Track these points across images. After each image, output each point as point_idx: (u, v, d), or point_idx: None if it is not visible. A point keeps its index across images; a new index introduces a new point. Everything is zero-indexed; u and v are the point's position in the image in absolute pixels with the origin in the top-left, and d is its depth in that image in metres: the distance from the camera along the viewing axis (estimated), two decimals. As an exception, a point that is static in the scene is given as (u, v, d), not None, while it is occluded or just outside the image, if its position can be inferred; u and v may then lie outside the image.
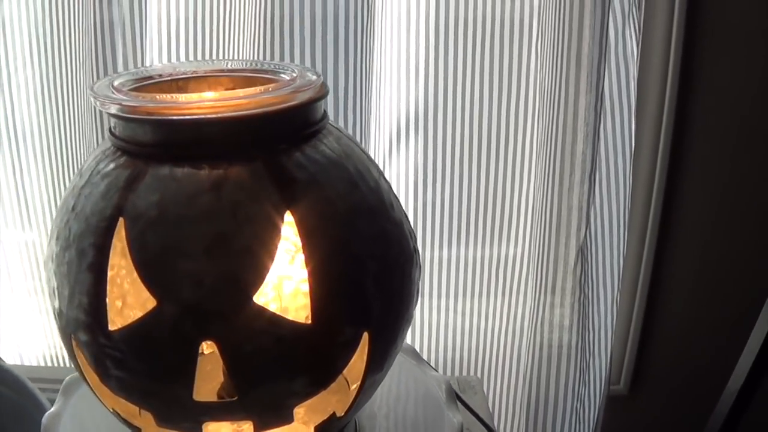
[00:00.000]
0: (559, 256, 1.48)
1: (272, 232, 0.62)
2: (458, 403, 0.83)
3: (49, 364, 1.61)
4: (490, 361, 1.64)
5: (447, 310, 1.60)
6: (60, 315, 0.67)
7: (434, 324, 1.59)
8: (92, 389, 0.70)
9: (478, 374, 1.62)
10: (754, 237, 1.65)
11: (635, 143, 1.47)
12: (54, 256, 0.67)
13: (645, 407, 1.85)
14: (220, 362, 0.62)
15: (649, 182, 1.59)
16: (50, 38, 1.41)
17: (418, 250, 0.73)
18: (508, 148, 1.47)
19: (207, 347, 0.74)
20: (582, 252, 1.46)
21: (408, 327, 0.73)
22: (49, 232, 1.38)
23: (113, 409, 0.70)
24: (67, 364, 1.59)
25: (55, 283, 0.67)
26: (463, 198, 1.49)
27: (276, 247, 0.62)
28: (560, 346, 1.56)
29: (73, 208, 0.66)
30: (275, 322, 0.63)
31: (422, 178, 1.46)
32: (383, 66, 1.40)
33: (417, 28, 1.39)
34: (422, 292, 1.56)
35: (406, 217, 0.73)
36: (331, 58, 1.30)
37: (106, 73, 1.34)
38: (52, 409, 0.82)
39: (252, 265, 0.61)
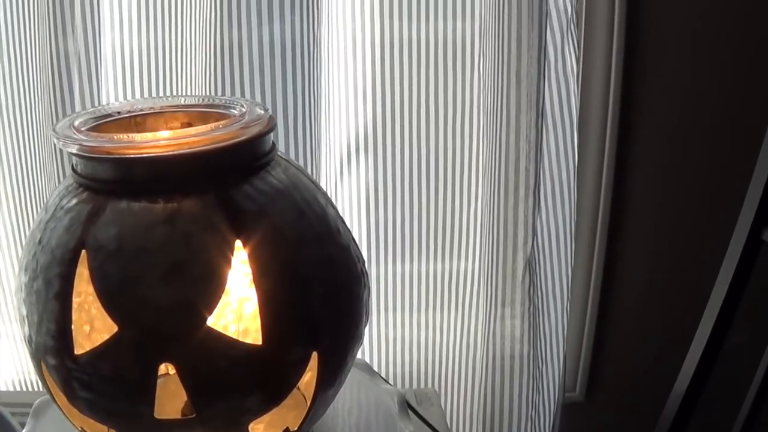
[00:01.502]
0: (507, 269, 1.51)
1: (223, 260, 0.67)
2: (414, 415, 0.87)
3: (19, 389, 1.63)
4: (446, 374, 1.67)
5: (401, 324, 1.63)
6: (30, 341, 0.71)
7: (390, 338, 1.62)
8: (62, 410, 0.74)
9: (435, 387, 1.65)
10: (699, 244, 1.68)
11: (579, 156, 1.52)
12: (23, 286, 0.72)
13: (602, 413, 1.87)
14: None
15: (595, 193, 1.63)
16: (8, 73, 1.44)
17: (366, 272, 0.77)
18: (455, 166, 1.50)
19: (170, 368, 0.78)
20: (530, 264, 1.50)
21: (358, 345, 0.77)
22: (16, 263, 1.42)
23: (81, 428, 0.74)
24: (37, 388, 1.61)
25: (24, 311, 0.71)
26: (414, 215, 1.52)
27: (227, 274, 0.67)
28: (512, 357, 1.59)
29: (40, 241, 0.71)
30: (228, 343, 0.68)
31: (373, 197, 1.49)
32: (331, 91, 1.43)
33: (363, 52, 1.42)
34: (376, 307, 1.59)
35: (354, 241, 0.78)
36: (280, 87, 1.34)
37: (63, 107, 1.37)
38: (24, 431, 0.86)
39: (206, 291, 0.66)
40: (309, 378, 0.75)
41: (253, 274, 0.68)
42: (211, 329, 0.66)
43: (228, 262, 0.67)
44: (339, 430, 0.89)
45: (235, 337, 0.69)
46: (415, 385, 1.63)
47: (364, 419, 0.90)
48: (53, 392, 0.72)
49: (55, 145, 1.36)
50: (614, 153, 1.61)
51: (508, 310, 1.55)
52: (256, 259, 0.68)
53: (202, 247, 0.66)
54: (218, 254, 0.67)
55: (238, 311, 0.74)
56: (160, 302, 0.65)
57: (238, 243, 0.67)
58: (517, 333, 1.55)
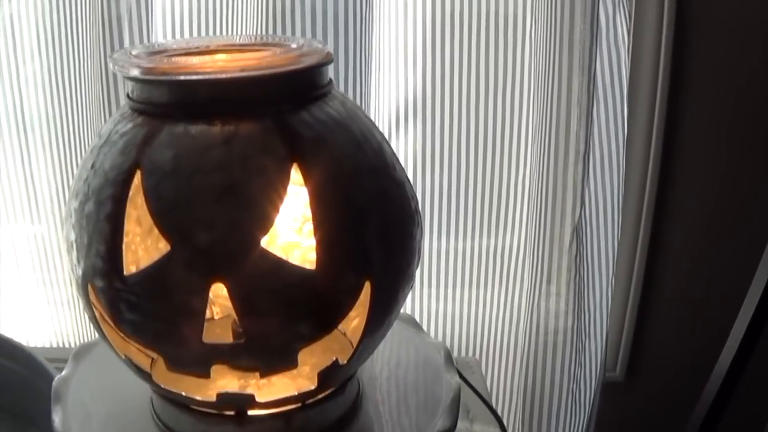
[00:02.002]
0: (555, 236, 1.50)
1: (279, 183, 0.66)
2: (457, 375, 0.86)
3: (57, 353, 1.64)
4: (488, 345, 1.66)
5: (444, 298, 1.62)
6: (77, 266, 0.71)
7: (432, 312, 1.61)
8: (106, 338, 0.73)
9: (476, 357, 1.64)
10: (748, 222, 1.67)
11: (628, 129, 1.50)
12: (73, 211, 0.71)
13: (641, 393, 1.86)
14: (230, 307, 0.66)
15: (642, 167, 1.61)
16: (57, 31, 1.45)
17: (419, 212, 0.77)
18: (504, 132, 1.50)
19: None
20: (577, 232, 1.48)
21: (409, 285, 0.76)
22: (57, 223, 1.42)
23: (125, 356, 0.73)
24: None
25: (73, 236, 0.71)
26: (461, 183, 1.51)
27: (282, 197, 0.66)
28: (556, 331, 1.57)
29: (92, 166, 0.70)
30: (281, 266, 0.67)
31: (420, 164, 1.49)
32: (381, 55, 1.43)
33: (414, 17, 1.42)
34: (419, 280, 1.59)
35: (408, 180, 0.77)
36: (331, 49, 1.33)
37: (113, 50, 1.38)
38: (63, 373, 0.85)
39: (260, 213, 0.65)
40: (357, 323, 0.75)
41: (309, 198, 0.67)
42: (264, 251, 0.65)
43: (284, 185, 0.66)
44: (384, 379, 0.88)
45: (288, 260, 0.67)
46: (456, 355, 1.62)
47: (412, 371, 0.89)
48: (99, 318, 0.71)
49: (101, 101, 1.36)
50: (663, 128, 1.59)
51: (553, 287, 1.54)
52: (312, 185, 0.67)
53: (258, 170, 0.66)
54: (274, 177, 0.66)
55: (292, 236, 0.73)
56: (213, 222, 0.65)
57: (295, 167, 0.66)
58: (562, 308, 1.54)
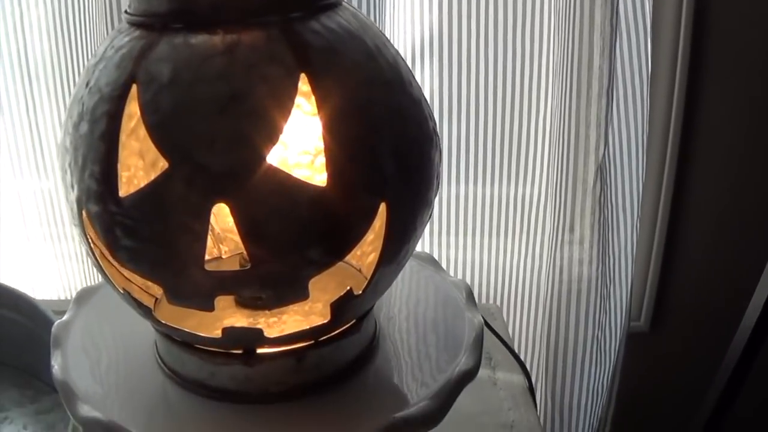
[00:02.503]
0: (578, 176, 1.46)
1: (286, 93, 0.61)
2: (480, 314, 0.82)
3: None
4: (510, 294, 1.63)
5: (463, 246, 1.59)
6: (71, 192, 0.66)
7: (452, 259, 1.58)
8: (103, 271, 0.69)
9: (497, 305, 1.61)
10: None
11: (652, 66, 1.45)
12: (67, 133, 0.67)
13: (666, 344, 1.83)
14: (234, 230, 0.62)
15: (666, 106, 1.58)
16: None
17: (437, 134, 0.72)
18: (525, 69, 1.46)
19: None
20: (601, 172, 1.44)
21: (428, 212, 0.71)
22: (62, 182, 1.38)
23: (124, 290, 0.69)
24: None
25: (67, 160, 0.66)
26: (479, 126, 1.48)
27: (290, 108, 0.61)
28: (580, 276, 1.54)
29: (87, 84, 0.66)
30: (289, 183, 0.61)
31: (437, 106, 1.45)
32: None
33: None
34: (438, 228, 1.55)
35: (425, 99, 0.72)
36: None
37: (118, 8, 1.34)
38: (63, 318, 0.82)
39: (266, 125, 0.60)
40: (373, 258, 0.71)
41: (319, 111, 0.62)
42: (270, 166, 0.60)
43: (291, 96, 0.61)
44: (403, 318, 0.84)
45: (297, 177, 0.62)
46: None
47: (432, 310, 0.84)
48: (94, 248, 0.67)
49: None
50: (687, 65, 1.55)
51: (576, 231, 1.50)
52: (322, 96, 0.62)
53: (263, 79, 0.60)
54: (281, 87, 0.61)
55: (300, 151, 0.68)
56: (215, 136, 0.60)
57: (303, 77, 0.61)
58: (586, 252, 1.50)
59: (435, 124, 0.72)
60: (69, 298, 1.65)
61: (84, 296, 0.87)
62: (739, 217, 1.71)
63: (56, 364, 0.75)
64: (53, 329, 0.79)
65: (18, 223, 1.60)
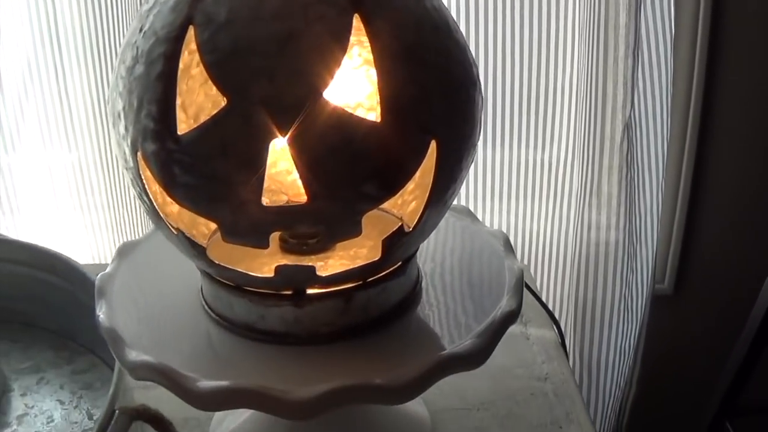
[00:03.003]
0: (605, 135, 1.47)
1: (341, 32, 0.63)
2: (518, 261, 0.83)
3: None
4: (537, 255, 1.65)
5: (490, 210, 1.60)
6: (126, 135, 0.67)
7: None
8: (158, 211, 0.70)
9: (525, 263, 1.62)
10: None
11: (675, 27, 1.46)
12: (120, 79, 0.68)
13: (690, 307, 1.84)
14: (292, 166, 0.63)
15: (689, 67, 1.59)
16: None
17: (480, 80, 0.73)
18: (551, 29, 1.47)
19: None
20: (628, 130, 1.45)
21: (472, 155, 0.73)
22: (93, 144, 1.39)
23: (177, 230, 0.70)
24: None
25: (120, 105, 0.68)
26: (506, 88, 1.49)
27: (345, 47, 0.63)
28: (608, 235, 1.56)
29: (140, 29, 0.67)
30: (346, 119, 0.63)
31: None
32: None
33: None
34: (464, 193, 1.57)
35: (468, 46, 0.73)
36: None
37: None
38: (107, 270, 0.83)
39: (322, 62, 0.62)
40: (414, 206, 0.73)
41: (372, 50, 0.63)
42: (328, 103, 0.62)
43: (346, 34, 0.62)
44: (446, 268, 0.86)
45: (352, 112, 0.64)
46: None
47: (471, 258, 0.86)
48: (149, 189, 0.68)
49: (139, 7, 1.32)
50: (708, 25, 1.55)
51: (604, 189, 1.51)
52: (375, 35, 0.64)
53: (319, 18, 0.62)
54: (336, 26, 0.62)
55: (355, 88, 0.70)
56: (274, 73, 0.61)
57: (356, 17, 0.63)
58: (613, 212, 1.52)
59: (478, 70, 0.73)
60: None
61: (126, 249, 0.88)
62: (763, 179, 1.71)
63: (101, 313, 0.76)
64: (97, 281, 0.80)
65: (48, 192, 1.61)
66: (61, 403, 1.02)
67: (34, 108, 1.52)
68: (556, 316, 1.50)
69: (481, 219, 1.47)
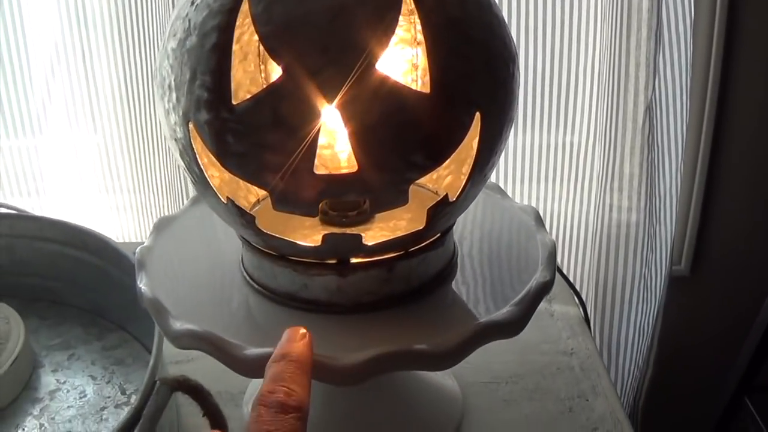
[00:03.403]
0: (627, 116, 1.48)
1: (392, 4, 0.65)
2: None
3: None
4: (559, 234, 1.65)
5: (512, 194, 1.61)
6: (176, 107, 0.69)
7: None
8: (207, 180, 0.72)
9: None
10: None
11: (695, 10, 1.48)
12: (171, 51, 0.70)
13: (706, 289, 1.85)
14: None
15: (707, 49, 1.61)
16: None
17: (518, 55, 0.75)
18: (573, 9, 1.48)
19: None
20: (650, 112, 1.46)
21: (510, 128, 0.75)
22: (119, 125, 1.40)
23: (228, 198, 0.71)
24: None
25: (171, 78, 0.69)
26: (528, 71, 1.50)
27: (396, 19, 0.64)
28: (629, 214, 1.58)
29: (192, 2, 0.69)
30: (397, 89, 0.65)
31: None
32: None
33: None
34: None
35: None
36: None
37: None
38: (145, 243, 0.84)
39: (374, 34, 0.64)
40: (450, 180, 0.75)
41: (422, 24, 0.65)
42: (379, 73, 0.64)
43: (397, 6, 0.64)
44: (477, 240, 0.88)
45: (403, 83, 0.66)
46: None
47: (504, 232, 0.88)
48: (201, 158, 0.70)
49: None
50: (726, 9, 1.57)
51: (626, 169, 1.52)
52: (423, 9, 0.66)
53: (371, -8, 0.64)
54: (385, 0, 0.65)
55: (397, 71, 0.72)
56: (327, 44, 0.63)
57: (407, -6, 0.65)
58: (635, 191, 1.53)
59: (515, 45, 0.75)
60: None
61: (163, 224, 0.89)
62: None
63: (143, 285, 0.77)
64: (137, 254, 0.81)
65: (74, 174, 1.62)
66: (93, 378, 1.04)
67: (60, 90, 1.53)
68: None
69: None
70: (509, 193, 1.47)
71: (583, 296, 1.65)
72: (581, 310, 1.17)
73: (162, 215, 0.95)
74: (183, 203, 1.08)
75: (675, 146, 1.56)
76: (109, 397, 0.99)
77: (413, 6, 0.65)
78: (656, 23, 1.40)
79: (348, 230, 0.76)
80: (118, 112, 1.55)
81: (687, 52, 1.48)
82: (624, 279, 1.62)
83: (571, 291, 1.18)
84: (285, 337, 0.64)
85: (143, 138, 1.55)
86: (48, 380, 1.03)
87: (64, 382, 1.03)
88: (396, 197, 0.69)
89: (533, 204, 1.62)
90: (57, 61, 1.52)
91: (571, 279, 1.53)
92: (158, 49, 1.30)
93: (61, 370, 1.05)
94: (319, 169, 0.66)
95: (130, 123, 1.56)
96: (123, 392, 1.00)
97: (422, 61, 0.68)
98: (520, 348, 1.07)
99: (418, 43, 0.70)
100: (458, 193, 0.72)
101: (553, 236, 1.63)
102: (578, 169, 1.59)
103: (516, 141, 1.56)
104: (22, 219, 1.12)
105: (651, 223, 1.57)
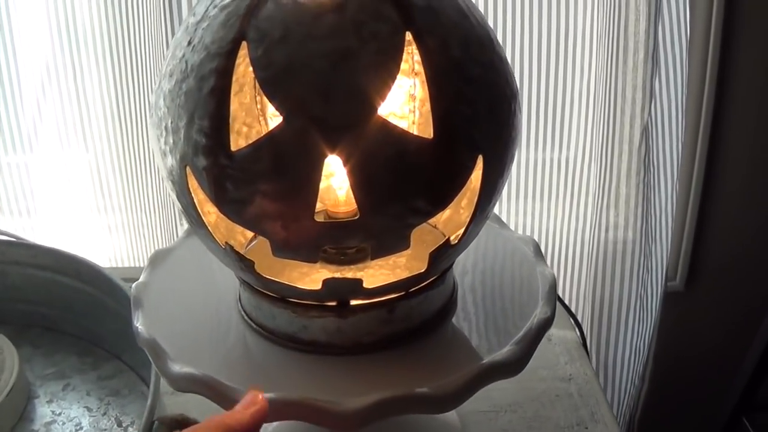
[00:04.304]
0: (624, 138, 1.48)
1: (394, 49, 0.63)
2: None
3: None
4: (554, 257, 1.65)
5: (506, 211, 1.61)
6: (174, 150, 0.67)
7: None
8: (206, 226, 0.70)
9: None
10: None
11: (690, 29, 1.47)
12: (167, 93, 0.68)
13: (701, 304, 1.85)
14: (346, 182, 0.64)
15: (701, 69, 1.60)
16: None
17: (518, 91, 0.74)
18: (568, 32, 1.47)
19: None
20: (646, 133, 1.46)
21: (511, 164, 0.74)
22: (111, 145, 1.39)
23: (226, 243, 0.70)
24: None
25: (168, 120, 0.68)
26: (523, 90, 1.49)
27: (399, 63, 0.63)
28: (625, 235, 1.58)
29: (189, 43, 0.67)
30: (399, 135, 0.64)
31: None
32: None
33: None
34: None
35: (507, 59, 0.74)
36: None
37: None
38: (140, 279, 0.83)
39: (376, 79, 0.62)
40: (448, 215, 0.74)
41: (424, 67, 0.64)
42: (381, 119, 0.62)
43: (399, 52, 0.63)
44: (479, 272, 0.87)
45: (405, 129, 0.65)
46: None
47: (504, 264, 0.87)
48: (198, 204, 0.68)
49: (163, 6, 1.32)
50: (720, 27, 1.56)
51: (622, 191, 1.52)
52: (426, 53, 0.64)
53: (372, 36, 0.62)
54: (389, 43, 0.63)
55: (395, 102, 0.71)
56: (328, 90, 0.62)
57: (409, 35, 0.63)
58: (631, 212, 1.53)
59: (516, 82, 0.74)
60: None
61: (159, 257, 0.88)
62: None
63: (140, 325, 0.76)
64: (132, 290, 0.79)
65: (65, 194, 1.61)
66: (89, 409, 1.03)
67: (51, 109, 1.52)
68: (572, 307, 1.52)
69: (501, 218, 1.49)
70: (505, 211, 1.47)
71: (579, 316, 1.65)
72: (578, 333, 1.16)
73: (157, 246, 0.93)
74: (176, 223, 1.07)
75: (671, 166, 1.56)
76: (105, 430, 0.99)
77: (411, 38, 0.64)
78: (653, 45, 1.40)
79: (348, 273, 0.75)
80: (110, 131, 1.54)
81: (683, 74, 1.48)
82: (620, 299, 1.61)
83: (569, 315, 1.17)
84: (240, 402, 0.63)
85: (135, 157, 1.54)
86: (43, 411, 1.02)
87: (60, 414, 1.01)
88: (397, 243, 0.68)
89: (529, 221, 1.61)
90: (48, 80, 1.51)
91: (566, 298, 1.53)
92: (150, 68, 1.29)
93: (56, 400, 1.04)
94: (317, 210, 0.65)
95: (122, 142, 1.55)
96: (119, 424, 0.99)
97: (419, 92, 0.67)
98: (518, 374, 1.06)
99: (415, 74, 0.69)
100: (460, 235, 0.71)
101: (549, 255, 1.63)
102: (574, 189, 1.59)
103: (515, 158, 1.55)
104: (14, 246, 1.11)
105: (647, 242, 1.57)
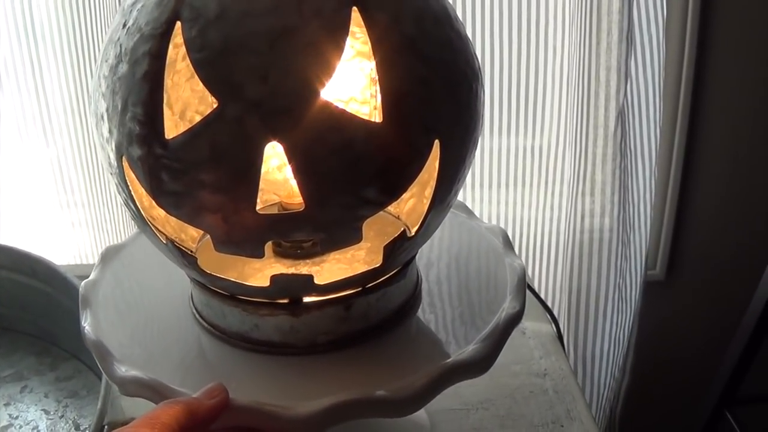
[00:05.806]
0: (598, 122, 1.45)
1: (339, 27, 0.59)
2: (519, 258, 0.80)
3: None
4: (530, 246, 1.63)
5: (480, 200, 1.58)
6: (109, 139, 0.63)
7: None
8: (144, 221, 0.66)
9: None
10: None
11: (667, 10, 1.44)
12: (102, 78, 0.64)
13: (681, 293, 1.82)
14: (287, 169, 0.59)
15: (679, 51, 1.57)
16: None
17: (481, 71, 0.69)
18: (540, 11, 1.45)
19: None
20: (621, 117, 1.43)
21: (474, 151, 0.69)
22: (71, 139, 1.36)
23: (167, 239, 0.66)
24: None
25: (104, 107, 0.63)
26: (494, 75, 1.46)
27: (343, 43, 0.58)
28: (602, 223, 1.55)
29: (124, 25, 0.63)
30: (346, 119, 0.59)
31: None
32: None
33: None
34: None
35: (468, 37, 0.69)
36: None
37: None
38: (90, 277, 0.79)
39: (319, 60, 0.58)
40: (412, 205, 0.70)
41: (372, 45, 0.59)
42: (325, 102, 0.57)
43: (344, 30, 0.58)
44: (444, 266, 0.83)
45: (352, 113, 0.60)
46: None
47: (471, 256, 0.83)
48: (136, 196, 0.64)
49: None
50: (698, 10, 1.54)
51: (598, 177, 1.49)
52: (374, 30, 0.59)
53: (315, 13, 0.58)
54: (333, 20, 0.58)
55: (354, 87, 0.67)
56: (268, 71, 0.57)
57: (355, 10, 0.59)
58: (607, 200, 1.50)
59: (479, 62, 0.70)
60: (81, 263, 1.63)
61: (110, 254, 0.84)
62: (752, 166, 1.69)
63: (87, 325, 0.72)
64: (81, 289, 0.76)
65: (26, 189, 1.58)
66: (47, 412, 1.00)
67: (10, 103, 1.48)
68: (550, 306, 1.49)
69: (471, 208, 1.45)
70: (476, 201, 1.43)
71: (555, 309, 1.62)
72: (554, 327, 1.12)
73: (108, 237, 0.89)
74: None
75: (648, 151, 1.53)
76: (62, 434, 0.93)
77: (363, 27, 0.59)
78: (627, 25, 1.36)
79: (298, 267, 0.71)
80: (71, 126, 1.51)
81: (659, 54, 1.45)
82: (598, 289, 1.58)
83: (543, 307, 1.13)
84: (202, 390, 0.60)
85: (96, 152, 1.50)
86: (0, 415, 0.99)
87: (17, 417, 0.99)
88: (348, 235, 0.63)
89: (503, 210, 1.58)
90: (6, 75, 1.47)
91: (542, 289, 1.50)
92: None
93: (14, 403, 1.01)
94: (267, 195, 0.61)
95: (83, 136, 1.52)
96: (77, 428, 0.96)
97: (368, 80, 0.63)
98: (490, 370, 1.02)
99: (362, 61, 0.65)
100: (417, 227, 0.67)
101: (523, 245, 1.60)
102: (548, 175, 1.56)
103: (483, 146, 1.52)
104: (-33, 243, 1.07)
105: (624, 230, 1.54)
